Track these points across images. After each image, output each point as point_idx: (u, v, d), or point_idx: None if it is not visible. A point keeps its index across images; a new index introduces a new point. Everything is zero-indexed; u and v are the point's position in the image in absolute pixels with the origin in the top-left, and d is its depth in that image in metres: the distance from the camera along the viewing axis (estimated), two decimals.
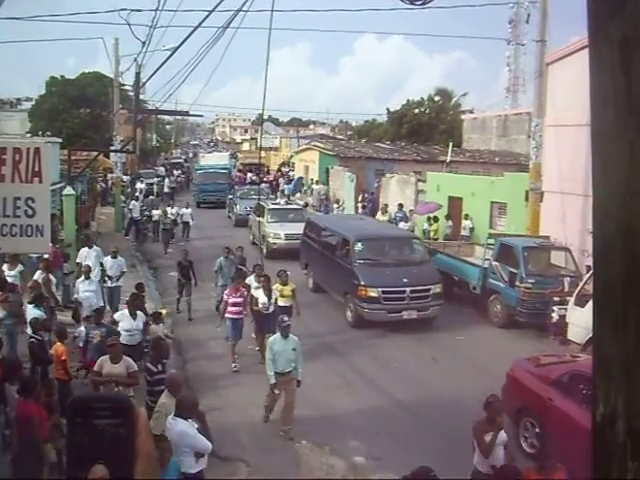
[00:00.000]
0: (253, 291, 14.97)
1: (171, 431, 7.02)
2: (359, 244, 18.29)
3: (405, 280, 17.13)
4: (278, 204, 30.72)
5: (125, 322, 12.40)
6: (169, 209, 29.23)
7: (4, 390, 8.95)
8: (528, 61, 63.00)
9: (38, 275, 15.20)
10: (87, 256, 17.32)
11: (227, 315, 14.26)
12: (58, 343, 10.99)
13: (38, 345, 10.97)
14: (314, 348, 14.89)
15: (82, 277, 15.52)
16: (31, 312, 12.14)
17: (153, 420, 7.52)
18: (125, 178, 42.56)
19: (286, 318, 11.16)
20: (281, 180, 51.30)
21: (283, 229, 26.48)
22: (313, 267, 21.17)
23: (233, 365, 14.06)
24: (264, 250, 25.53)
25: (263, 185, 45.44)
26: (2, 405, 8.83)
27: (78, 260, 17.29)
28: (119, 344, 10.50)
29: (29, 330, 11.47)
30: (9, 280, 14.63)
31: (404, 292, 16.97)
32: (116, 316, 12.78)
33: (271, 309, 14.38)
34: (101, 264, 17.29)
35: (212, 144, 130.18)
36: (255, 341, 14.92)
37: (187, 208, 30.40)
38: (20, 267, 15.79)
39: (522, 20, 46.11)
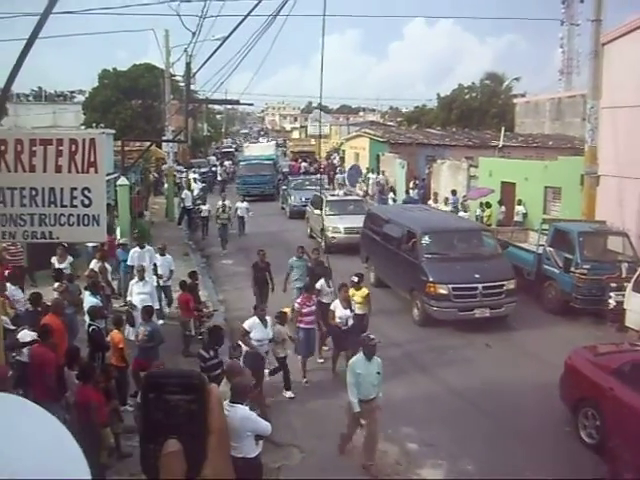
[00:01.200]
0: (324, 298, 14.14)
1: (230, 418, 7.07)
2: (426, 237, 17.18)
3: (477, 276, 16.02)
4: (337, 195, 29.12)
5: (257, 331, 11.32)
6: (226, 202, 26.68)
7: (64, 375, 9.21)
8: (582, 42, 61.55)
9: (94, 264, 15.56)
10: (139, 257, 16.14)
11: (300, 325, 13.01)
12: (115, 330, 11.22)
13: (97, 332, 11.23)
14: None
15: (136, 278, 14.54)
16: (87, 300, 12.41)
17: None
18: (179, 168, 43.13)
19: (373, 336, 9.79)
20: (338, 170, 48.31)
21: (342, 222, 25.14)
22: (375, 261, 20.15)
23: (304, 381, 12.88)
24: (322, 244, 24.78)
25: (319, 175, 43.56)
26: (63, 390, 9.09)
27: (130, 262, 16.22)
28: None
29: (87, 318, 11.74)
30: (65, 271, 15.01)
31: (476, 289, 15.84)
32: (246, 325, 11.41)
33: (350, 323, 12.92)
34: (155, 266, 16.47)
35: (262, 133, 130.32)
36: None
37: (242, 202, 28.50)
38: (70, 259, 15.98)
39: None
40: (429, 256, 16.66)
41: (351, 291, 13.51)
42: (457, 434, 10.56)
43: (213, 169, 49.01)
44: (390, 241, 18.71)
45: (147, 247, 16.88)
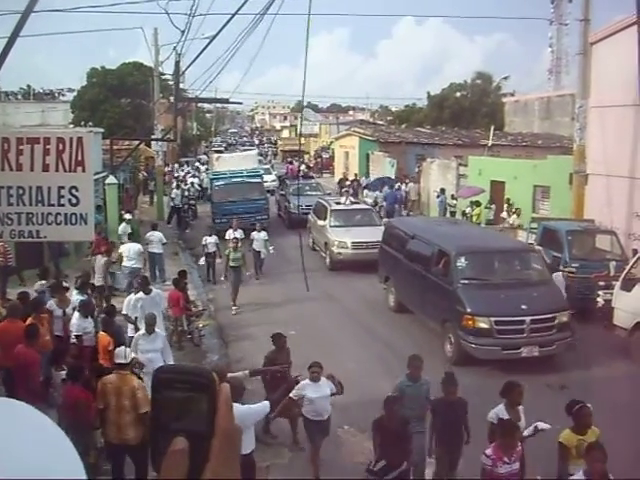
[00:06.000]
0: None
1: None
2: (462, 259, 14.48)
3: (524, 307, 13.37)
4: (342, 204, 24.98)
5: None
6: (238, 234, 20.45)
7: (51, 375, 9.18)
8: (571, 41, 61.96)
9: (98, 261, 16.21)
10: (143, 305, 12.42)
11: None
12: (102, 333, 11.02)
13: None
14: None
15: (142, 330, 10.86)
16: (75, 299, 12.30)
17: None
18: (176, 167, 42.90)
19: None
20: (363, 180, 39.52)
21: (349, 235, 21.92)
22: (396, 283, 17.30)
23: None
24: (327, 260, 22.53)
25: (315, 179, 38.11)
26: (51, 389, 9.06)
27: (131, 312, 12.64)
28: None
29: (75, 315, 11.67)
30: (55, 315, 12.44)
31: (523, 322, 13.19)
32: None
33: None
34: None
35: (257, 133, 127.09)
36: None
37: (260, 231, 21.14)
38: (73, 303, 12.44)
39: None
40: (466, 282, 14.04)
41: (574, 438, 7.29)
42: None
43: (196, 177, 40.58)
44: (416, 261, 15.99)
45: (155, 291, 13.27)
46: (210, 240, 20.53)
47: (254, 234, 21.04)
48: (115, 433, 8.01)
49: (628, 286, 14.40)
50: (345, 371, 11.13)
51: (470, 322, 13.23)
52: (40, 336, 9.54)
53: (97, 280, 16.08)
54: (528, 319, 13.19)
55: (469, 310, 13.35)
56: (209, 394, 1.04)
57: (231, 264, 17.97)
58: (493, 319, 13.17)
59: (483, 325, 13.17)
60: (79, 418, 8.00)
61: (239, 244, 18.72)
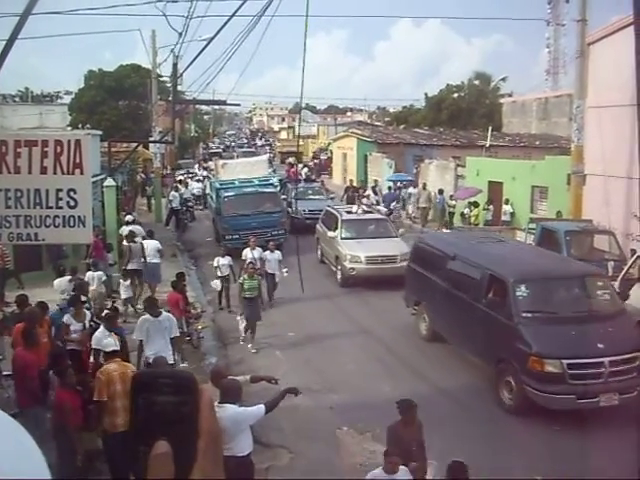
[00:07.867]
0: None
1: (219, 418, 6.95)
2: (522, 287, 11.98)
3: (600, 345, 10.91)
4: (354, 213, 22.57)
5: None
6: (257, 253, 18.00)
7: (49, 378, 9.18)
8: (568, 42, 62.07)
9: (133, 247, 17.54)
10: (149, 329, 10.95)
11: None
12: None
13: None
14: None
15: None
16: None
17: None
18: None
19: None
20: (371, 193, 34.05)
21: (363, 249, 19.79)
22: (430, 309, 14.91)
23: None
24: (338, 276, 20.31)
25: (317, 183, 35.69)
26: (50, 392, 9.06)
27: (137, 335, 11.03)
28: None
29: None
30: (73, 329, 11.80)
31: (601, 365, 10.74)
32: None
33: None
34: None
35: (260, 136, 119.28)
36: None
37: (273, 251, 18.13)
38: (88, 315, 11.77)
39: (561, 0, 45.35)
40: (529, 315, 11.61)
41: None
42: (444, 433, 10.55)
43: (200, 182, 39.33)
44: (458, 286, 13.62)
45: (164, 314, 11.39)
46: (224, 262, 17.68)
47: (267, 254, 18.02)
48: (124, 419, 7.76)
49: (626, 286, 14.41)
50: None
51: (537, 365, 10.89)
52: (38, 339, 9.54)
53: (132, 264, 17.46)
54: (606, 361, 10.77)
55: (535, 350, 10.98)
56: (191, 397, 1.04)
57: (245, 295, 14.98)
58: (565, 362, 10.75)
59: (553, 369, 10.81)
60: (65, 421, 7.99)
61: (257, 267, 16.21)
